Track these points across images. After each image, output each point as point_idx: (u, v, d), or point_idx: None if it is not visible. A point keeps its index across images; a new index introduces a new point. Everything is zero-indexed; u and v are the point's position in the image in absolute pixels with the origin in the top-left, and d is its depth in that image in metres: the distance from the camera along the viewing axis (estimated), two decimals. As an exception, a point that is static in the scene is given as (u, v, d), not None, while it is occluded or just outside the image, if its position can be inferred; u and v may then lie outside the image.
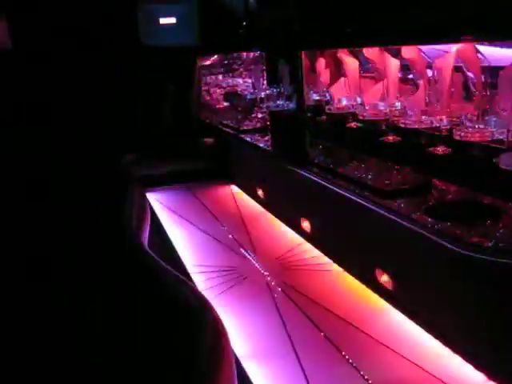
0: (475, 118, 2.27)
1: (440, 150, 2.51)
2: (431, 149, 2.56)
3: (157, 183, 4.97)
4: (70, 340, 1.50)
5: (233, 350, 1.85)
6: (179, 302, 1.69)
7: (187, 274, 3.13)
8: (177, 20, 5.38)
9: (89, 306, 1.65)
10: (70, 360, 1.41)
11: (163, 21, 5.35)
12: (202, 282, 3.07)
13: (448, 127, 2.45)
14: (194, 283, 2.97)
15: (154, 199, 4.64)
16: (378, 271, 2.62)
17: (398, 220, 2.45)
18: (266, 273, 3.12)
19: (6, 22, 5.29)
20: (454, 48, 2.39)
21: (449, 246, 2.13)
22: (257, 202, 4.32)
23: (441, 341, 2.28)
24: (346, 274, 2.98)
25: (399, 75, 2.88)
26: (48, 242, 2.21)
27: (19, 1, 5.28)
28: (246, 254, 3.40)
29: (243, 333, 2.52)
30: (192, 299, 1.71)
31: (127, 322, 1.56)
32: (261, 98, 4.31)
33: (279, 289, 2.91)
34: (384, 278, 2.58)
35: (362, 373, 2.17)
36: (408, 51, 2.70)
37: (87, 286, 1.79)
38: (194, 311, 1.63)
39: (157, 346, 1.44)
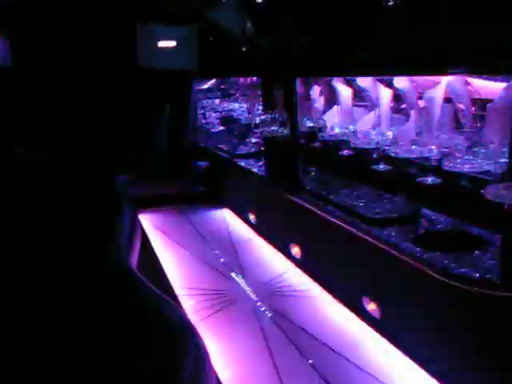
0: (464, 150, 2.29)
1: (429, 179, 2.53)
2: (421, 178, 2.58)
3: (149, 205, 4.96)
4: (48, 355, 1.48)
5: (215, 374, 1.83)
6: (161, 323, 1.68)
7: (175, 296, 3.11)
8: (176, 43, 5.42)
9: (69, 323, 1.64)
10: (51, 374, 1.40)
11: (162, 44, 5.40)
12: (189, 304, 3.05)
13: (438, 157, 2.47)
14: (180, 305, 2.96)
15: (146, 220, 4.63)
16: (365, 299, 2.61)
17: (387, 248, 2.46)
18: (254, 297, 3.10)
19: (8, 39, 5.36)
20: (444, 80, 2.43)
21: (436, 275, 2.13)
22: (248, 226, 4.32)
23: (426, 371, 2.27)
24: (334, 301, 2.97)
25: (391, 105, 2.91)
26: (33, 256, 2.21)
27: (20, 19, 5.34)
28: (236, 278, 3.39)
29: (228, 357, 2.50)
30: (175, 321, 1.70)
31: (107, 340, 1.55)
32: (255, 124, 4.34)
33: (267, 314, 2.90)
34: (371, 306, 2.58)
35: (346, 401, 2.15)
36: (400, 81, 2.73)
37: (69, 302, 1.78)
38: (177, 333, 1.62)
39: (137, 368, 1.43)
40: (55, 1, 5.09)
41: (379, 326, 2.58)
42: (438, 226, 2.65)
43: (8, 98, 5.12)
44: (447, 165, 2.32)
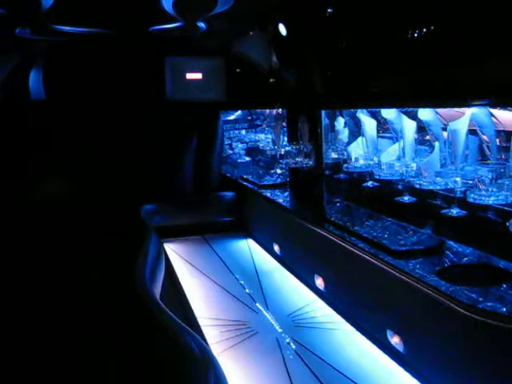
0: (489, 181, 2.27)
1: (454, 211, 2.51)
2: (446, 210, 2.56)
3: (175, 234, 5.00)
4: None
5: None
6: (181, 354, 1.69)
7: (198, 326, 3.11)
8: (203, 76, 5.52)
9: (92, 352, 1.66)
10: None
11: (190, 76, 5.50)
12: (212, 335, 3.04)
13: (462, 189, 2.46)
14: (203, 335, 2.95)
15: (171, 249, 4.66)
16: (389, 332, 2.58)
17: (411, 281, 2.43)
18: (277, 329, 3.08)
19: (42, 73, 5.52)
20: (468, 111, 2.42)
21: (462, 310, 2.10)
22: (272, 256, 4.31)
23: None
24: (358, 334, 2.93)
25: (416, 136, 2.92)
26: (61, 285, 2.24)
27: (54, 56, 5.50)
28: (260, 309, 3.37)
29: (249, 389, 2.48)
30: (195, 352, 1.70)
31: (124, 369, 1.55)
32: (281, 155, 4.38)
33: (290, 346, 2.87)
34: (395, 340, 2.54)
35: None
36: (424, 113, 2.73)
37: (92, 330, 1.80)
38: (197, 365, 1.62)
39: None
40: (85, 37, 5.23)
41: (403, 359, 2.54)
42: (464, 259, 2.61)
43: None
44: (472, 197, 2.31)
